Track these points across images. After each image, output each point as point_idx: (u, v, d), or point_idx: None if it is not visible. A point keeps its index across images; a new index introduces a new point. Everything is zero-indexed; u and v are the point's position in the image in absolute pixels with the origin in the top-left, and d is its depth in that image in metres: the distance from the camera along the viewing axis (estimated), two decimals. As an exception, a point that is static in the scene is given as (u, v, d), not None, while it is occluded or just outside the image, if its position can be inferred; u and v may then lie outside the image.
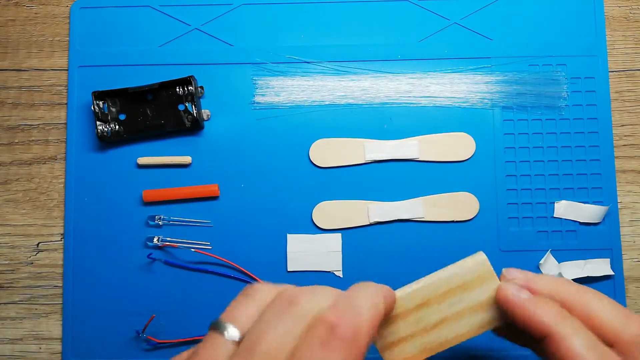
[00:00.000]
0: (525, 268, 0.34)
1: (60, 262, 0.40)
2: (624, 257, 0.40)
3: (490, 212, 0.39)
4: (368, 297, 0.24)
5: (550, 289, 0.26)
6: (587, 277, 0.38)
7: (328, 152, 0.40)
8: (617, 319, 0.24)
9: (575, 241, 0.39)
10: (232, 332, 0.21)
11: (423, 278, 0.28)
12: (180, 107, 0.40)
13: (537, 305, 0.25)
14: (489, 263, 0.27)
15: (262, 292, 0.24)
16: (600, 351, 0.23)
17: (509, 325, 0.27)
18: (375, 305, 0.23)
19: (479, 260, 0.27)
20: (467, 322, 0.27)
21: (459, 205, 0.39)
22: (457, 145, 0.40)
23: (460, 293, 0.27)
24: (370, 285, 0.25)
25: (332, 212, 0.39)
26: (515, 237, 0.39)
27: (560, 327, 0.24)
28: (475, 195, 0.39)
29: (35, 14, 0.43)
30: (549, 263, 0.37)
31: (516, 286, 0.26)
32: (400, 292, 0.28)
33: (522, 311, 0.25)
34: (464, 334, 0.27)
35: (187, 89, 0.40)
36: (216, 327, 0.22)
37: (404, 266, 0.39)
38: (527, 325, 0.25)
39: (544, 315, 0.25)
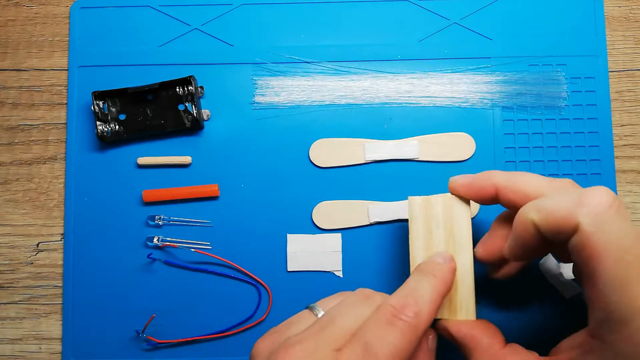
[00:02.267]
0: (525, 268, 0.34)
1: (60, 262, 0.40)
2: (624, 257, 0.39)
3: (490, 212, 0.39)
4: (430, 285, 0.28)
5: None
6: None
7: (328, 152, 0.40)
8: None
9: (575, 241, 0.39)
10: (319, 312, 0.28)
11: (410, 267, 0.32)
12: (180, 107, 0.40)
13: (480, 174, 0.31)
14: (414, 198, 0.33)
15: (350, 293, 0.29)
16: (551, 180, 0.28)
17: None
18: (434, 300, 0.27)
19: (411, 203, 0.33)
20: (462, 241, 0.32)
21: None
22: (457, 145, 0.40)
23: (432, 236, 0.32)
24: (432, 272, 0.29)
25: (332, 212, 0.39)
26: (515, 237, 0.39)
27: (500, 176, 0.30)
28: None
29: (35, 14, 0.43)
30: (549, 262, 0.37)
31: (459, 176, 0.32)
32: None
33: (472, 183, 0.31)
34: (468, 252, 0.32)
35: (187, 89, 0.40)
36: (309, 308, 0.29)
37: (404, 266, 0.39)
38: (480, 189, 0.31)
39: (488, 175, 0.30)
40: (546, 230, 0.26)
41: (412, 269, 0.32)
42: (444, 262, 0.30)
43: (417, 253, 0.32)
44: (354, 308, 0.27)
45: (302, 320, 0.28)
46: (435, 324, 0.31)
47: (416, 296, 0.27)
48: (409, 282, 0.28)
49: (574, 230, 0.25)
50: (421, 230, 0.32)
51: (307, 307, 0.29)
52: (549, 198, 0.26)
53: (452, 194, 0.32)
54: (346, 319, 0.26)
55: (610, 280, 0.24)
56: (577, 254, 0.25)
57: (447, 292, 0.29)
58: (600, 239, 0.24)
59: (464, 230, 0.32)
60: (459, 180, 0.32)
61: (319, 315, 0.28)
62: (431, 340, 0.30)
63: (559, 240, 0.26)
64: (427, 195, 0.33)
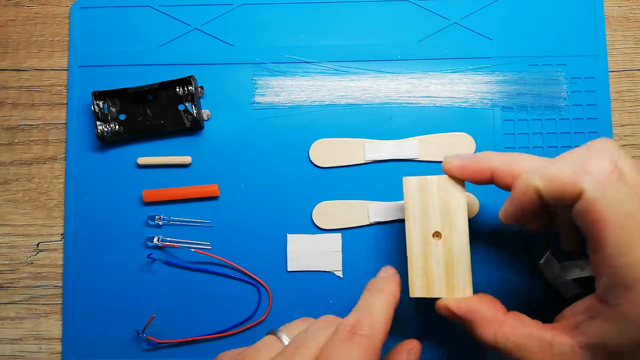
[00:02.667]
0: (524, 268, 0.34)
1: (60, 262, 0.40)
2: (624, 257, 0.39)
3: (490, 211, 0.39)
4: (378, 300, 0.29)
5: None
6: (589, 277, 0.38)
7: (328, 152, 0.40)
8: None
9: (575, 241, 0.39)
10: (284, 338, 0.28)
11: (406, 248, 0.33)
12: (180, 107, 0.40)
13: (475, 156, 0.32)
14: (409, 178, 0.33)
15: (314, 320, 0.30)
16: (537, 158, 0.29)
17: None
18: (385, 312, 0.28)
19: (406, 184, 0.33)
20: (457, 221, 0.33)
21: None
22: (457, 145, 0.40)
23: (428, 216, 0.33)
24: (378, 289, 0.30)
25: (332, 212, 0.39)
26: (516, 236, 0.39)
27: (497, 159, 0.30)
28: (476, 196, 0.39)
29: (35, 14, 0.43)
30: (549, 263, 0.37)
31: (453, 157, 0.32)
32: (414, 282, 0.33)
33: (466, 165, 0.32)
34: (464, 232, 0.32)
35: (187, 89, 0.40)
36: (272, 333, 0.29)
37: (404, 266, 0.39)
38: (475, 172, 0.31)
39: (484, 158, 0.31)
40: (549, 197, 0.27)
41: (408, 250, 0.33)
42: (387, 277, 0.31)
43: (414, 234, 0.33)
44: (319, 333, 0.27)
45: (267, 347, 0.28)
46: (435, 304, 0.33)
47: (368, 312, 0.28)
48: (360, 301, 0.29)
49: (578, 196, 0.25)
50: (417, 211, 0.33)
51: (270, 332, 0.29)
52: (552, 165, 0.27)
53: (447, 174, 0.33)
54: (312, 343, 0.27)
55: (615, 245, 0.24)
56: (582, 220, 0.26)
57: (395, 302, 0.30)
58: (604, 205, 0.24)
59: (459, 210, 0.32)
60: (453, 162, 0.32)
61: (284, 341, 0.28)
62: (412, 354, 0.30)
63: (561, 206, 0.27)
64: (423, 175, 0.33)
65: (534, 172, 0.28)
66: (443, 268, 0.32)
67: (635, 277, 0.24)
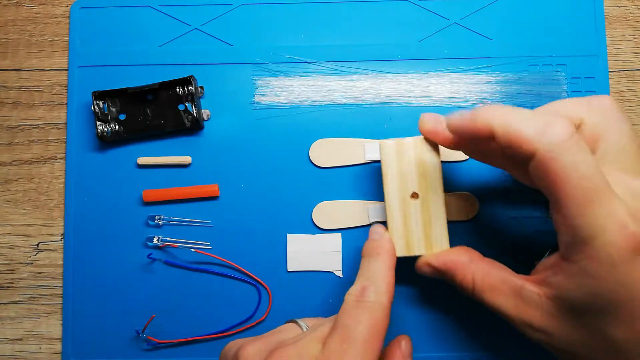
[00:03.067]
0: (525, 268, 0.34)
1: (60, 262, 0.40)
2: (624, 257, 0.40)
3: (490, 211, 0.39)
4: (378, 264, 0.32)
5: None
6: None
7: (328, 152, 0.40)
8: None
9: (575, 241, 0.39)
10: (303, 325, 0.31)
11: (385, 210, 0.34)
12: (180, 107, 0.40)
13: (445, 121, 0.32)
14: (385, 141, 0.34)
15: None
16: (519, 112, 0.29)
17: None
18: (386, 275, 0.31)
19: (383, 146, 0.34)
20: (433, 181, 0.34)
21: (458, 205, 0.39)
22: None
23: (405, 177, 0.34)
24: (376, 253, 0.32)
25: (332, 212, 0.39)
26: (516, 236, 0.39)
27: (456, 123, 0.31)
28: (475, 196, 0.39)
29: (35, 14, 0.43)
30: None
31: (428, 116, 0.33)
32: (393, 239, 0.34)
33: (436, 132, 0.32)
34: (440, 190, 0.34)
35: (187, 89, 0.40)
36: (293, 321, 0.32)
37: (404, 266, 0.39)
38: (444, 140, 0.32)
39: (450, 123, 0.31)
40: (503, 144, 0.28)
41: (387, 212, 0.34)
42: (380, 237, 0.33)
43: (392, 194, 0.34)
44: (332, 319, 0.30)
45: (288, 330, 0.31)
46: (415, 264, 0.34)
47: (371, 278, 0.31)
48: (362, 268, 0.32)
49: (532, 155, 0.27)
50: (395, 172, 0.34)
51: (290, 321, 0.32)
52: (518, 117, 0.28)
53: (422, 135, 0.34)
54: (328, 323, 0.30)
55: (572, 205, 0.26)
56: (537, 180, 0.27)
57: (394, 262, 0.32)
58: (558, 166, 0.26)
59: (435, 170, 0.34)
60: (425, 126, 0.33)
61: (303, 328, 0.31)
62: (404, 345, 0.31)
63: (514, 158, 0.28)
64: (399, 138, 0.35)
65: (499, 116, 0.29)
66: (421, 227, 0.34)
67: (591, 235, 0.25)
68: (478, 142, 0.31)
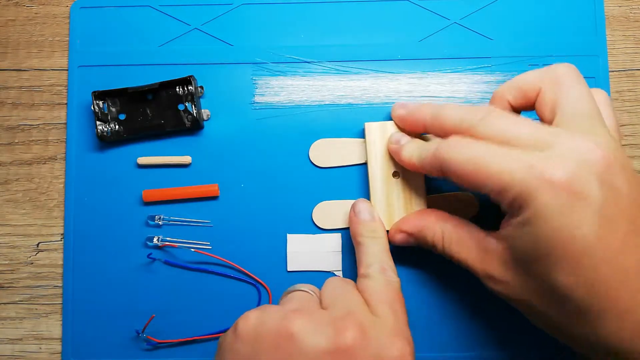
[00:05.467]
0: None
1: (60, 262, 0.40)
2: (624, 257, 0.39)
3: (489, 212, 0.39)
4: (380, 250, 0.35)
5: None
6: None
7: (328, 152, 0.40)
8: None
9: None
10: (304, 288, 0.35)
11: (369, 187, 0.37)
12: (180, 107, 0.40)
13: (413, 109, 0.36)
14: (370, 123, 0.38)
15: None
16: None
17: None
18: (388, 252, 0.35)
19: (368, 128, 0.38)
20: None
21: (458, 206, 0.39)
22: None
23: (388, 157, 0.37)
24: (379, 242, 0.36)
25: (332, 212, 0.39)
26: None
27: (427, 111, 0.35)
28: (475, 196, 0.39)
29: (35, 14, 0.43)
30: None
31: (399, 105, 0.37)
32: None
33: (405, 118, 0.36)
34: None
35: (187, 89, 0.40)
36: (294, 289, 0.34)
37: (405, 265, 0.39)
38: (412, 126, 0.36)
39: (418, 111, 0.35)
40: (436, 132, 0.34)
41: (371, 190, 0.37)
42: (372, 219, 0.36)
43: (375, 173, 0.37)
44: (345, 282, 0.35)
45: (302, 295, 0.34)
46: (389, 234, 0.36)
47: (381, 260, 0.34)
48: (366, 251, 0.35)
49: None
50: (378, 152, 0.37)
51: (289, 290, 0.35)
52: (448, 107, 0.33)
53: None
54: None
55: (489, 168, 0.29)
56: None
57: (388, 243, 0.36)
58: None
59: None
60: (396, 112, 0.37)
61: (311, 293, 0.34)
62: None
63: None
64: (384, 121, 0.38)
65: (431, 115, 0.34)
66: (402, 204, 0.37)
67: (521, 191, 0.27)
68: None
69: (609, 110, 0.32)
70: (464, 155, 0.29)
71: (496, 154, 0.28)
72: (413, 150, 0.34)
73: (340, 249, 0.39)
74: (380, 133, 0.37)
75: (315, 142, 0.40)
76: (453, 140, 0.31)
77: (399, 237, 0.36)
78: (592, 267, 0.26)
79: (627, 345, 0.26)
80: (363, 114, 0.41)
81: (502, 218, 0.31)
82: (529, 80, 0.32)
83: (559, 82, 0.31)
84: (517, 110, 0.34)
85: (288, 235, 0.40)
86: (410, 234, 0.35)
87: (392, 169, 0.37)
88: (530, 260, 0.28)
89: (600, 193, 0.26)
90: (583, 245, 0.26)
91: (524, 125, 0.29)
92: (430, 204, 0.38)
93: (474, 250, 0.31)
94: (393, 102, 0.41)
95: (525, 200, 0.27)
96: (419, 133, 0.37)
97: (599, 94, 0.32)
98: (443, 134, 0.32)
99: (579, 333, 0.27)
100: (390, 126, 0.37)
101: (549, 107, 0.31)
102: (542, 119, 0.32)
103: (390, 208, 0.37)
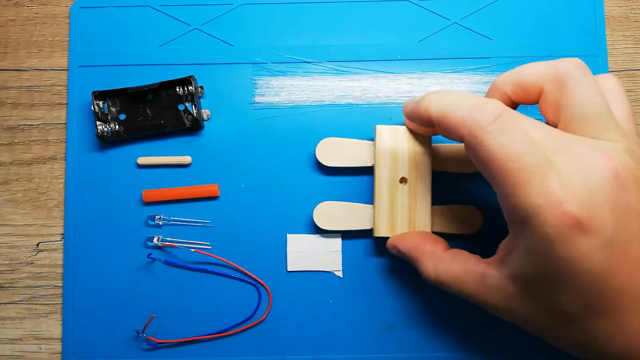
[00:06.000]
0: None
1: (60, 262, 0.40)
2: (624, 257, 0.39)
3: (494, 225, 0.39)
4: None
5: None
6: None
7: (335, 151, 0.39)
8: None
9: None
10: None
11: (374, 191, 0.37)
12: (180, 107, 0.40)
13: (418, 102, 0.32)
14: (381, 126, 0.37)
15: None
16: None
17: None
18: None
19: (378, 132, 0.37)
20: (421, 167, 0.36)
21: (462, 219, 0.38)
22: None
23: (396, 163, 0.36)
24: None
25: (333, 213, 0.39)
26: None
27: (434, 106, 0.30)
28: (480, 209, 0.38)
29: (35, 14, 0.43)
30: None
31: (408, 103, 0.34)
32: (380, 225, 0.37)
33: (410, 115, 0.34)
34: (427, 177, 0.36)
35: (187, 89, 0.40)
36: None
37: (405, 265, 0.39)
38: (419, 125, 0.33)
39: (423, 105, 0.31)
40: (440, 130, 0.30)
41: (376, 194, 0.36)
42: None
43: (382, 177, 0.36)
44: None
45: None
46: (387, 243, 0.36)
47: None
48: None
49: (461, 138, 0.28)
50: (388, 157, 0.36)
51: None
52: (451, 103, 0.29)
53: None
54: None
55: (503, 186, 0.26)
56: (473, 161, 0.28)
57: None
58: (481, 150, 0.27)
59: (424, 158, 0.36)
60: (405, 110, 0.35)
61: None
62: None
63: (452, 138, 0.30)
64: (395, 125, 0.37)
65: (434, 99, 0.30)
66: (407, 211, 0.36)
67: (527, 215, 0.25)
68: (428, 127, 0.32)
69: (620, 97, 0.29)
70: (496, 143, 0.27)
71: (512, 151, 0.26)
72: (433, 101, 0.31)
73: (340, 249, 0.39)
74: (391, 137, 0.36)
75: (323, 140, 0.39)
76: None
77: (393, 251, 0.36)
78: (599, 296, 0.25)
79: None
80: (363, 114, 0.41)
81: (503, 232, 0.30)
82: (530, 77, 0.30)
83: (562, 81, 0.29)
84: (516, 104, 0.32)
85: (288, 235, 0.40)
86: (402, 254, 0.35)
87: (399, 175, 0.36)
88: (536, 288, 0.27)
89: (612, 224, 0.25)
90: (590, 276, 0.25)
91: (536, 127, 0.27)
92: (435, 214, 0.37)
93: (473, 286, 0.30)
94: (393, 102, 0.41)
95: (530, 219, 0.25)
96: (428, 133, 0.35)
97: (607, 81, 0.30)
98: (447, 135, 0.31)
99: (590, 352, 0.27)
100: (402, 131, 0.36)
101: (552, 109, 0.29)
102: (546, 120, 0.30)
103: (394, 215, 0.36)
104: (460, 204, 0.38)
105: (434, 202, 0.37)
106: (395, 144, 0.36)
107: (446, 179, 0.39)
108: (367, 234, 0.39)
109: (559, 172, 0.25)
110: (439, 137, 0.36)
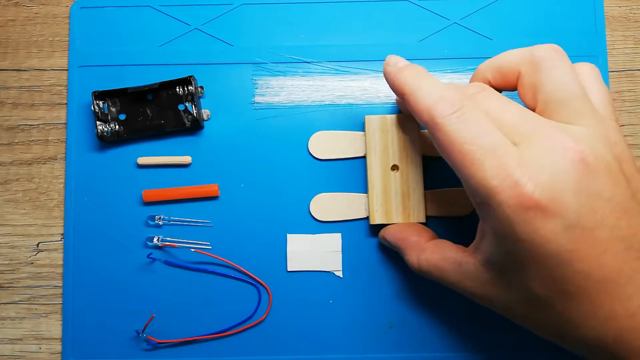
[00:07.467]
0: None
1: (60, 262, 0.40)
2: (624, 257, 0.40)
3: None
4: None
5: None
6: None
7: (327, 144, 0.40)
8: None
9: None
10: None
11: (367, 180, 0.38)
12: (180, 107, 0.40)
13: (399, 72, 0.32)
14: (370, 116, 0.38)
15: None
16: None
17: None
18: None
19: (368, 121, 0.38)
20: (412, 155, 0.37)
21: (458, 201, 0.39)
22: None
23: (387, 151, 0.37)
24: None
25: (330, 204, 0.39)
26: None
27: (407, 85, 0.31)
28: None
29: (35, 14, 0.43)
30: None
31: (393, 60, 0.33)
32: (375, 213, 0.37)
33: (393, 77, 0.32)
34: (418, 164, 0.37)
35: (187, 89, 0.40)
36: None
37: (405, 265, 0.39)
38: (391, 84, 0.33)
39: (400, 79, 0.32)
40: (410, 109, 0.30)
41: (369, 183, 0.37)
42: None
43: (374, 166, 0.37)
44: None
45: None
46: (379, 234, 0.37)
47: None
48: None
49: (426, 124, 0.29)
50: (378, 145, 0.37)
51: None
52: (423, 86, 0.30)
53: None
54: None
55: (461, 168, 0.27)
56: (435, 145, 0.29)
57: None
58: (440, 135, 0.28)
59: (414, 145, 0.37)
60: (386, 68, 0.34)
61: None
62: None
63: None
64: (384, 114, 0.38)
65: (411, 82, 0.31)
66: (400, 198, 0.37)
67: (486, 196, 0.26)
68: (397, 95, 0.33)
69: (597, 85, 0.30)
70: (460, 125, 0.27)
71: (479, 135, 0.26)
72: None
73: (340, 249, 0.39)
74: (380, 126, 0.38)
75: (315, 134, 0.40)
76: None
77: (383, 242, 0.38)
78: (567, 279, 0.25)
79: (611, 347, 0.26)
80: (363, 114, 0.41)
81: None
82: (508, 61, 0.31)
83: (537, 64, 0.29)
84: (498, 90, 0.32)
85: (288, 235, 0.40)
86: (390, 244, 0.37)
87: (391, 163, 0.37)
88: (507, 272, 0.27)
89: (575, 207, 0.24)
90: (555, 259, 0.25)
91: (509, 110, 0.27)
92: (429, 199, 0.38)
93: (452, 273, 0.31)
94: (393, 102, 0.41)
95: (490, 200, 0.26)
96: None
97: (584, 69, 0.30)
98: (412, 114, 0.31)
99: (568, 337, 0.27)
100: (390, 120, 0.37)
101: (530, 93, 0.29)
102: (526, 105, 0.30)
103: (388, 202, 0.37)
104: (453, 187, 0.39)
105: (427, 187, 0.38)
106: (384, 132, 0.37)
107: (437, 164, 0.39)
108: (367, 234, 0.39)
109: (520, 153, 0.25)
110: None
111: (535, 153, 0.25)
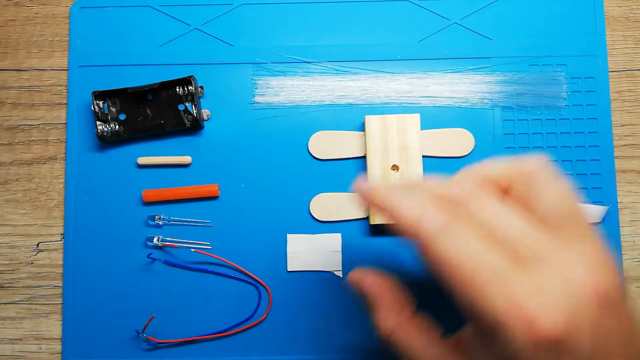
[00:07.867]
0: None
1: (60, 262, 0.40)
2: (624, 257, 0.40)
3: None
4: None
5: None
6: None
7: (327, 144, 0.40)
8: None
9: (575, 241, 0.39)
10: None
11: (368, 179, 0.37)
12: (180, 107, 0.40)
13: (371, 193, 0.28)
14: (370, 117, 0.38)
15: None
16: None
17: None
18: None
19: (368, 122, 0.38)
20: (412, 155, 0.38)
21: None
22: (456, 141, 0.40)
23: (387, 151, 0.38)
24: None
25: (329, 204, 0.39)
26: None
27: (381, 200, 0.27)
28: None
29: (35, 14, 0.43)
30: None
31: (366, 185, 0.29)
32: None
33: (369, 197, 0.28)
34: (418, 164, 0.38)
35: (187, 89, 0.40)
36: None
37: (405, 265, 0.39)
38: (370, 203, 0.28)
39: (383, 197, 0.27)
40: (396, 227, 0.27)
41: (369, 179, 0.37)
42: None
43: (374, 167, 0.38)
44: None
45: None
46: (348, 275, 0.31)
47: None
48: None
49: (417, 241, 0.25)
50: (378, 146, 0.38)
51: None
52: (401, 202, 0.26)
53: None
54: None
55: (460, 295, 0.24)
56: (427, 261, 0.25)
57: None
58: (432, 258, 0.24)
59: (414, 145, 0.38)
60: (357, 189, 0.29)
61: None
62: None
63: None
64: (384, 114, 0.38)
65: (385, 198, 0.27)
66: None
67: (494, 327, 0.23)
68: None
69: (568, 197, 0.26)
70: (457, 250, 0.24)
71: (477, 258, 0.23)
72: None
73: (340, 249, 0.39)
74: (380, 126, 0.38)
75: (314, 134, 0.40)
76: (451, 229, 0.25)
77: (352, 287, 0.32)
78: None
79: None
80: (363, 114, 0.41)
81: None
82: (496, 175, 0.27)
83: (529, 181, 0.26)
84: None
85: (288, 235, 0.40)
86: (364, 292, 0.31)
87: (391, 163, 0.38)
88: None
89: (591, 342, 0.22)
90: None
91: (510, 223, 0.24)
92: None
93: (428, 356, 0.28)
94: (393, 102, 0.41)
95: (501, 333, 0.23)
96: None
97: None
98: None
99: None
100: (390, 120, 0.38)
101: (523, 206, 0.26)
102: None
103: None
104: None
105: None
106: (384, 132, 0.38)
107: (438, 164, 0.39)
108: (367, 234, 0.39)
109: (529, 280, 0.23)
110: (427, 123, 0.36)
111: (547, 281, 0.23)
